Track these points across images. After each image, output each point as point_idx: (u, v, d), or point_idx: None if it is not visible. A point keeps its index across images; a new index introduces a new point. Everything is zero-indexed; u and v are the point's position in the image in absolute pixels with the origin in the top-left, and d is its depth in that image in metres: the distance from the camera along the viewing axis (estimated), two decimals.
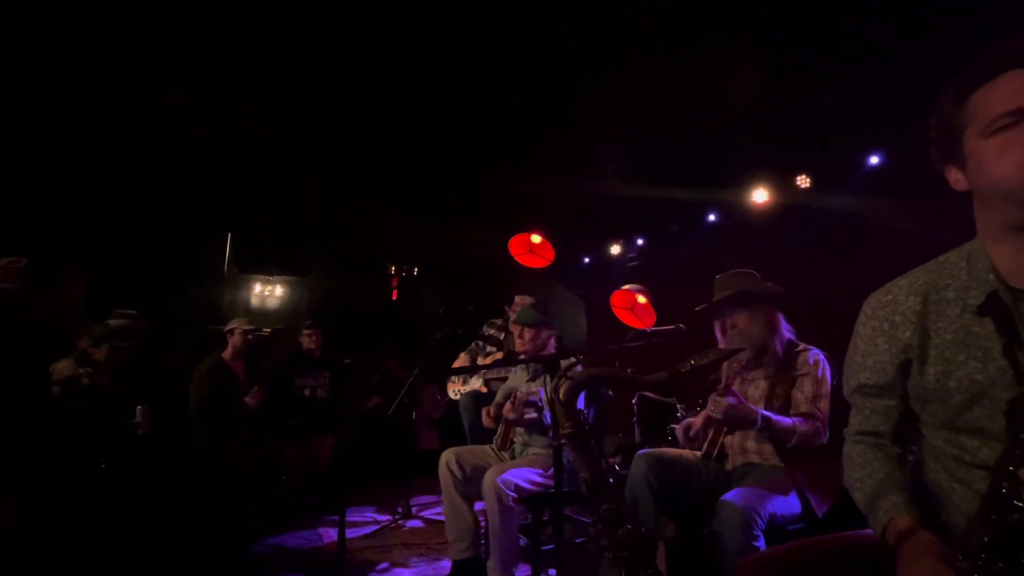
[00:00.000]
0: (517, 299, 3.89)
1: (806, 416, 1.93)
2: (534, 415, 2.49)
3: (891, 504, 0.93)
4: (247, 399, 3.59)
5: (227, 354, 3.77)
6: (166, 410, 3.15)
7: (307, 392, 4.20)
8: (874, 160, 3.70)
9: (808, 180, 4.07)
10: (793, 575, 0.98)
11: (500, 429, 2.71)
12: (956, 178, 0.89)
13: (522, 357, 2.72)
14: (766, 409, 2.00)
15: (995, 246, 0.86)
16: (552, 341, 2.70)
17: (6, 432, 1.70)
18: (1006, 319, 0.80)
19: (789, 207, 4.22)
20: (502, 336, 3.91)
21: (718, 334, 2.18)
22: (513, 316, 3.76)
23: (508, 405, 2.55)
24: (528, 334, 2.67)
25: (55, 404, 2.51)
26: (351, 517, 3.59)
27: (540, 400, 2.46)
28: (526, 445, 2.63)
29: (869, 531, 1.02)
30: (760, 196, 4.32)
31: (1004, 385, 0.81)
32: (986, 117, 0.82)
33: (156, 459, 2.91)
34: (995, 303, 0.81)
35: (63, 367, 2.51)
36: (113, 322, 3.22)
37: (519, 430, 2.65)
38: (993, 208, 0.85)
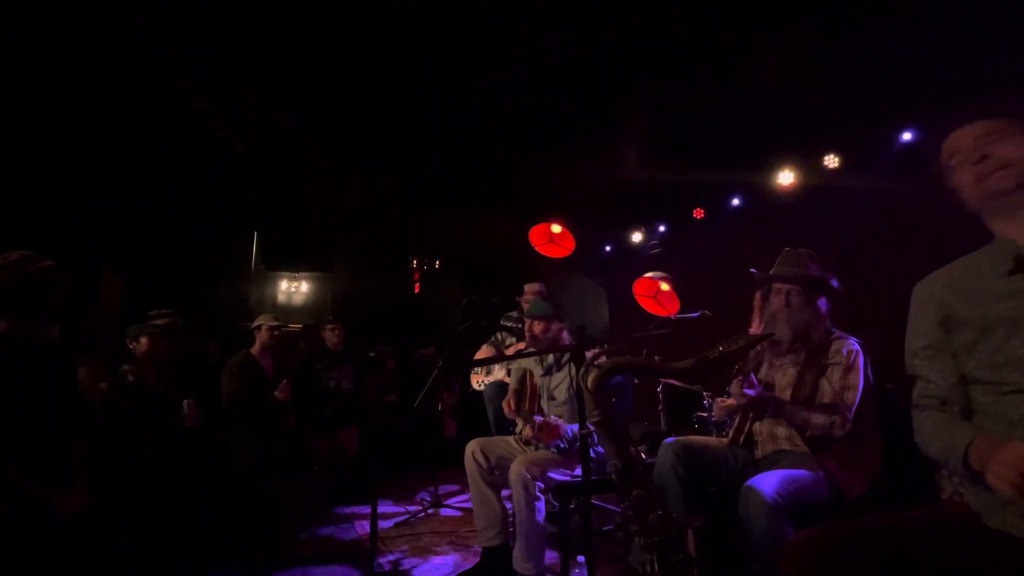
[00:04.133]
0: (527, 288, 3.89)
1: (828, 407, 1.88)
2: (553, 450, 2.50)
3: (967, 432, 1.10)
4: (276, 393, 3.67)
5: (255, 350, 3.86)
6: (209, 403, 3.26)
7: (332, 385, 4.29)
8: (906, 137, 3.56)
9: (837, 160, 3.96)
10: (839, 555, 0.98)
11: (520, 427, 2.71)
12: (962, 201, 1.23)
13: (530, 349, 2.72)
14: (793, 396, 1.96)
15: (1003, 231, 1.18)
16: (564, 334, 2.69)
17: (50, 426, 1.77)
18: None
19: (817, 188, 4.11)
20: (521, 326, 3.92)
21: (757, 303, 2.13)
22: (526, 307, 3.77)
23: (528, 430, 2.56)
24: (538, 327, 2.67)
25: (101, 402, 2.61)
26: (381, 506, 3.67)
27: (563, 441, 2.45)
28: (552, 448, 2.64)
29: (916, 511, 1.04)
30: (786, 178, 4.21)
31: None
32: (945, 162, 1.24)
33: (203, 450, 3.02)
34: (1020, 262, 1.10)
35: (80, 375, 2.57)
36: (155, 323, 3.33)
37: None
38: (980, 210, 1.21)
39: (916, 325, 1.26)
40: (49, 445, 1.75)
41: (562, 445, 2.45)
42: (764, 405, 1.88)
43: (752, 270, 2.15)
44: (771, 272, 2.10)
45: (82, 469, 1.81)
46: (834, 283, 2.07)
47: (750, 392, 1.87)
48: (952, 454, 1.11)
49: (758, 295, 2.14)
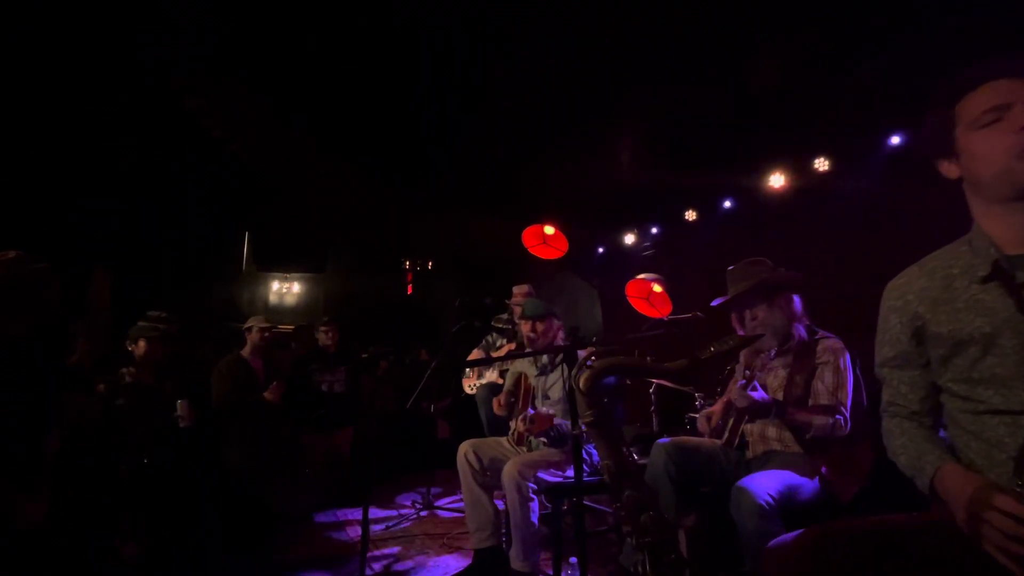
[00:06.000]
0: (515, 290, 3.89)
1: (826, 409, 1.90)
2: (544, 440, 2.51)
3: (935, 457, 1.06)
4: (267, 394, 3.65)
5: (246, 351, 3.84)
6: (202, 403, 3.25)
7: (324, 388, 4.27)
8: (895, 140, 3.61)
9: (826, 163, 3.99)
10: (824, 556, 0.99)
11: (514, 426, 2.71)
12: (948, 168, 1.09)
13: (530, 349, 2.72)
14: (785, 398, 1.98)
15: (989, 224, 1.05)
16: (560, 332, 2.70)
17: (27, 430, 1.75)
18: (1008, 279, 0.99)
19: (807, 191, 4.15)
20: (512, 327, 3.93)
21: (736, 326, 2.15)
22: (517, 310, 3.78)
23: (520, 424, 2.55)
24: (540, 327, 2.67)
25: (97, 403, 2.59)
26: (374, 508, 3.65)
27: (557, 430, 2.46)
28: (542, 441, 2.64)
29: (900, 515, 1.04)
30: (777, 180, 4.25)
31: (1010, 334, 0.98)
32: (973, 115, 1.02)
33: (200, 451, 3.01)
34: (998, 270, 1.00)
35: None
36: (147, 324, 3.32)
37: None
38: (984, 188, 1.04)
39: (885, 332, 1.19)
40: (27, 449, 1.72)
41: (552, 433, 2.46)
42: (767, 410, 1.88)
43: (712, 303, 2.18)
44: (728, 295, 2.12)
45: (47, 476, 1.79)
46: (788, 276, 2.08)
47: (754, 395, 1.87)
48: (918, 474, 1.08)
49: (732, 315, 2.16)
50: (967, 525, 0.94)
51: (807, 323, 2.09)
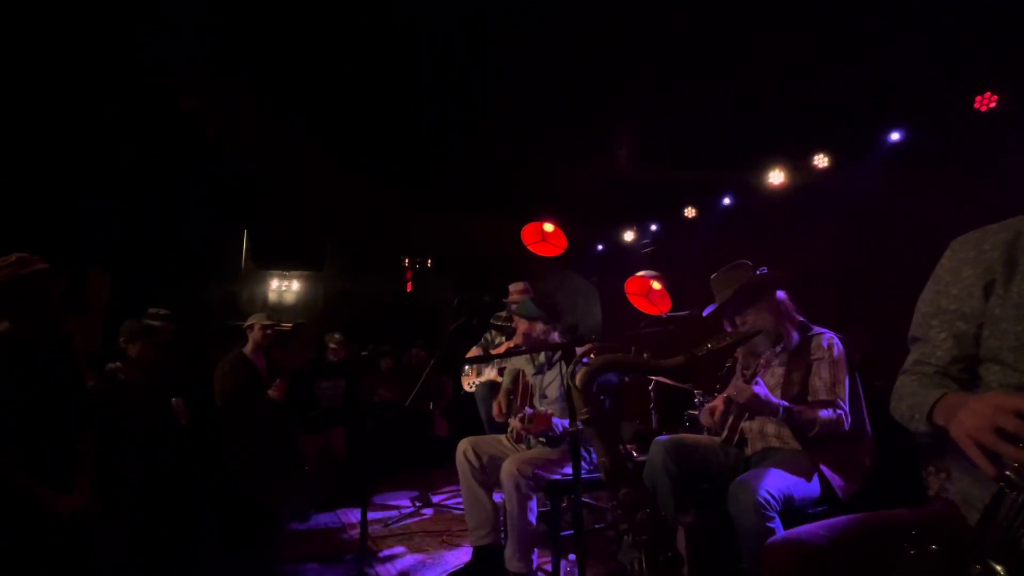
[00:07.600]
0: (511, 288, 3.89)
1: (827, 404, 1.89)
2: (542, 440, 2.51)
3: (940, 391, 0.98)
4: (270, 392, 3.65)
5: (248, 349, 3.83)
6: (202, 402, 3.26)
7: (323, 403, 4.34)
8: (895, 137, 3.60)
9: (826, 159, 3.98)
10: (822, 555, 0.98)
11: (512, 424, 2.71)
12: None
13: (523, 348, 2.72)
14: (783, 396, 1.97)
15: None
16: (554, 335, 2.70)
17: (27, 430, 1.77)
18: None
19: (806, 187, 4.14)
20: (511, 324, 3.93)
21: (728, 330, 2.15)
22: (514, 307, 3.77)
23: (517, 422, 2.56)
24: (522, 325, 2.68)
25: (95, 399, 2.60)
26: (372, 506, 3.66)
27: (555, 430, 2.46)
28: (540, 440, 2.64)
29: (899, 510, 1.03)
30: (776, 177, 4.24)
31: None
32: None
33: (201, 450, 3.02)
34: None
35: None
36: (148, 322, 3.32)
37: None
38: None
39: (949, 286, 1.08)
40: (51, 445, 1.75)
41: (550, 434, 2.46)
42: (773, 410, 1.87)
43: (703, 313, 2.17)
44: (716, 304, 2.13)
45: (86, 467, 1.84)
46: (768, 277, 2.08)
47: (757, 389, 1.86)
48: (917, 410, 1.00)
49: (724, 322, 2.17)
50: (968, 439, 0.85)
51: (799, 320, 2.09)
